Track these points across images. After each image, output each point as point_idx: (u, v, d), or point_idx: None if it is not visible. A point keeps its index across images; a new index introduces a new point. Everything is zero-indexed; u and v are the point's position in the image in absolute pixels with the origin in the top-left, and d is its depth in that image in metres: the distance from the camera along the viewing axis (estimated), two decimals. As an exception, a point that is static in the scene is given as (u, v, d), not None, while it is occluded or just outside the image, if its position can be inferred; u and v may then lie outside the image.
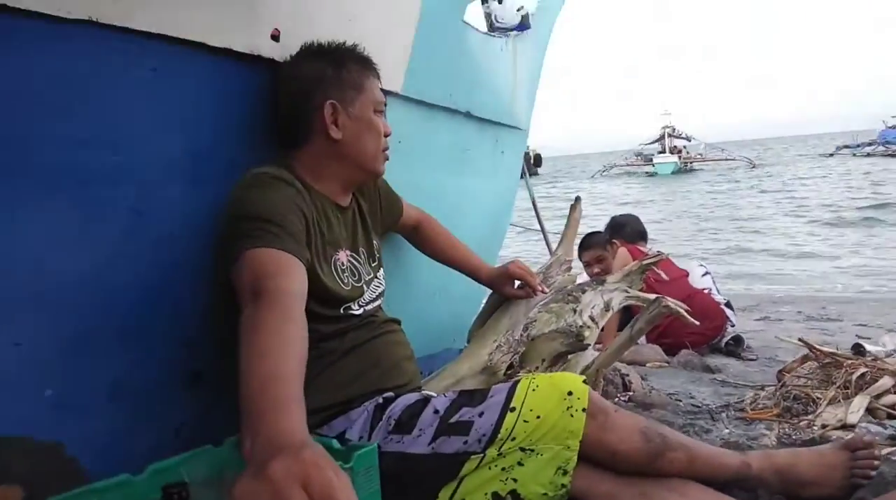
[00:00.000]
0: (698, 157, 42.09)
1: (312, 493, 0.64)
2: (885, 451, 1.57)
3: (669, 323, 3.06)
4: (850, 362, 1.95)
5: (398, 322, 1.44)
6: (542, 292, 1.85)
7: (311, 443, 0.70)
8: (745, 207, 16.30)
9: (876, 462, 1.27)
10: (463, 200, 2.12)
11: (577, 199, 2.16)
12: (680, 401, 2.10)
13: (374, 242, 1.45)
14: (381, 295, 1.41)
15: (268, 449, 0.69)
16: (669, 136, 41.74)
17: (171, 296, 1.17)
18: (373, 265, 1.41)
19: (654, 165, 38.74)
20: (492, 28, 2.32)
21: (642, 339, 3.17)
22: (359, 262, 1.35)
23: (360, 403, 1.23)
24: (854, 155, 39.71)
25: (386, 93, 1.60)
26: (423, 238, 1.73)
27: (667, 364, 2.71)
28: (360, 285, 1.32)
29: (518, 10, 2.29)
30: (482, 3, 2.34)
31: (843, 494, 1.27)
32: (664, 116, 43.28)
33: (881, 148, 38.95)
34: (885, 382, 1.85)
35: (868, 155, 38.49)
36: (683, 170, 38.11)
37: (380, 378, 1.28)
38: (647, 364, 2.67)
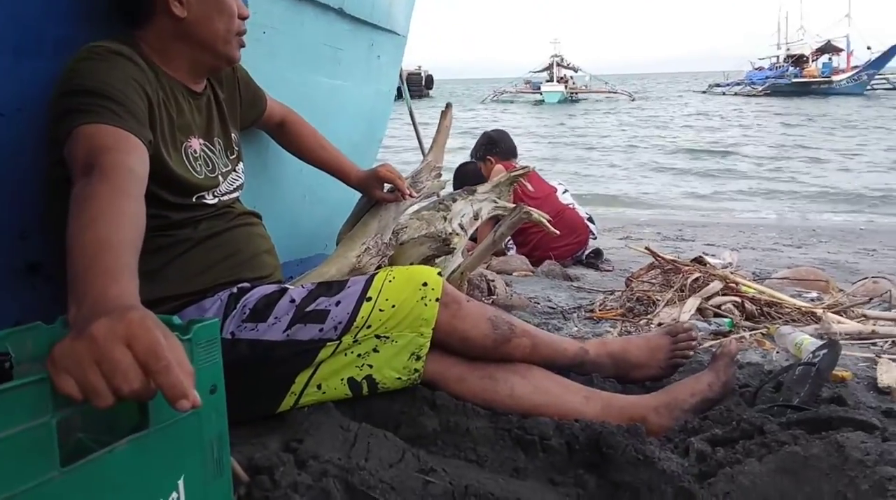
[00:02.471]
0: (583, 88, 43.18)
1: (137, 352, 0.61)
2: (706, 344, 1.78)
3: (540, 239, 3.22)
4: (687, 268, 2.15)
5: (258, 216, 1.41)
6: (412, 196, 1.88)
7: (141, 307, 0.68)
8: (620, 136, 17.09)
9: (693, 343, 1.43)
10: (335, 101, 2.07)
11: (448, 105, 2.17)
12: (538, 304, 2.24)
13: (233, 134, 1.40)
14: (239, 188, 1.37)
15: (92, 310, 0.66)
16: (558, 65, 42.40)
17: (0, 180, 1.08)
18: (231, 157, 1.36)
19: (541, 94, 39.38)
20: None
21: (512, 251, 3.32)
22: (213, 152, 1.30)
23: (214, 292, 1.22)
24: (724, 93, 42.33)
25: (249, -22, 1.51)
26: (289, 136, 1.68)
27: (531, 273, 2.87)
28: (214, 175, 1.28)
29: None
30: None
31: (666, 374, 1.43)
32: (553, 45, 43.80)
33: (747, 88, 41.75)
34: (715, 285, 2.07)
35: (735, 94, 41.17)
36: (569, 100, 39.06)
37: (236, 268, 1.27)
38: (514, 273, 2.81)
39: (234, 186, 1.35)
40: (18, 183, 1.13)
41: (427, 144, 2.96)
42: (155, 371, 0.62)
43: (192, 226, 1.22)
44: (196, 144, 1.25)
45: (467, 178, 3.52)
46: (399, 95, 3.13)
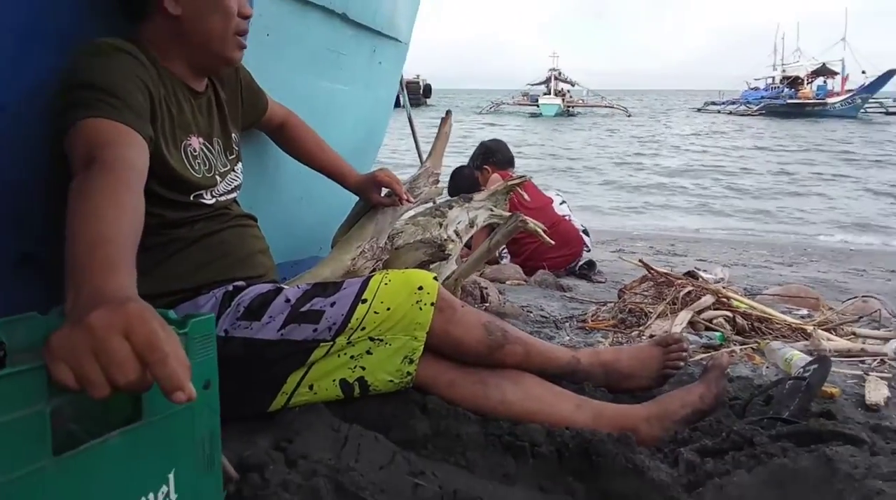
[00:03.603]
0: (581, 102, 43.40)
1: (134, 343, 0.61)
2: (697, 356, 1.79)
3: (534, 249, 3.23)
4: (679, 281, 2.16)
5: (254, 218, 1.42)
6: (409, 201, 1.88)
7: (139, 299, 0.69)
8: (616, 149, 17.19)
9: (684, 354, 1.43)
10: (336, 105, 2.08)
11: (448, 112, 2.18)
12: (531, 312, 2.24)
13: (233, 134, 1.40)
14: (236, 189, 1.37)
15: (90, 300, 0.66)
16: (556, 79, 42.61)
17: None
18: (230, 158, 1.36)
19: (539, 106, 39.57)
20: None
21: (506, 260, 3.33)
22: (212, 152, 1.30)
23: (209, 289, 1.22)
24: (719, 112, 42.67)
25: (255, -21, 1.51)
26: (289, 139, 1.69)
27: (524, 282, 2.88)
28: (212, 175, 1.28)
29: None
30: None
31: (657, 384, 1.44)
32: (552, 58, 44.04)
33: (742, 107, 42.11)
34: (707, 299, 2.08)
35: (730, 112, 41.53)
36: (566, 113, 39.26)
37: (231, 267, 1.27)
38: (507, 281, 2.82)
39: (232, 187, 1.35)
40: (19, 173, 1.13)
41: (425, 150, 2.98)
42: (152, 362, 0.62)
43: (189, 225, 1.22)
44: (196, 142, 1.25)
45: (462, 181, 3.54)
46: (398, 103, 3.14)
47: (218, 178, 1.30)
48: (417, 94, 42.63)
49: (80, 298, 0.69)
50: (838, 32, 44.44)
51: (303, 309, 1.18)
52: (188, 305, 1.19)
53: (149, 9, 1.18)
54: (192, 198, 1.22)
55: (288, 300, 1.20)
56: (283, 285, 1.28)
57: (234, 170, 1.37)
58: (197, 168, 1.24)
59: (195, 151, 1.25)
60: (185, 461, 0.79)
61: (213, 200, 1.27)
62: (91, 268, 0.73)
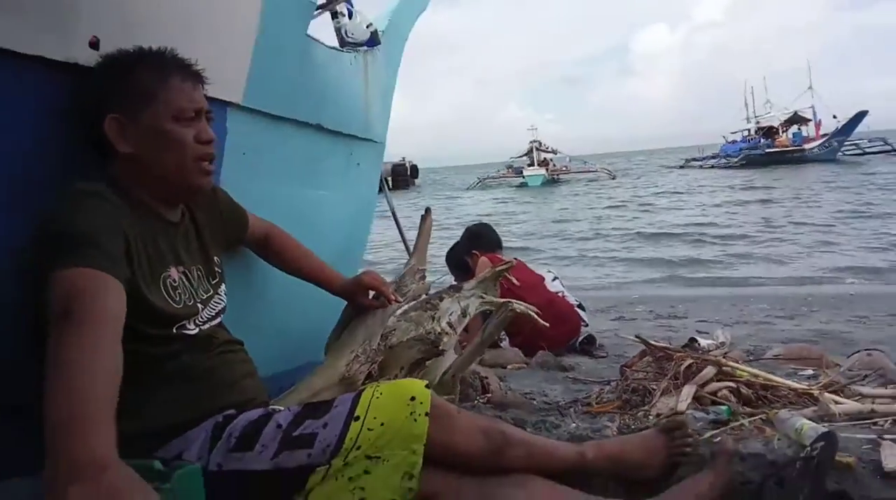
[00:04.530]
0: (564, 169, 44.29)
1: None
2: (707, 434, 1.74)
3: (531, 330, 3.20)
4: (678, 354, 2.14)
5: (240, 343, 1.41)
6: (397, 301, 1.88)
7: (116, 464, 0.68)
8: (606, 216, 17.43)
9: (689, 440, 1.40)
10: (317, 212, 2.11)
11: (427, 210, 2.22)
12: (534, 399, 2.20)
13: (214, 257, 1.41)
14: (221, 312, 1.37)
15: (67, 473, 0.66)
16: (537, 149, 43.66)
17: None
18: (212, 282, 1.37)
19: (524, 177, 40.34)
20: (343, 44, 2.33)
21: (505, 343, 3.29)
22: (192, 279, 1.30)
23: (199, 423, 1.19)
24: (701, 167, 43.55)
25: (226, 104, 1.57)
26: (273, 251, 1.70)
27: (525, 365, 2.84)
28: (192, 303, 1.28)
29: (367, 26, 2.32)
30: (332, 19, 2.35)
31: (666, 473, 1.39)
32: (530, 131, 45.28)
33: (723, 160, 43.04)
34: (709, 371, 2.04)
35: (712, 167, 42.38)
36: (552, 181, 40.00)
37: (221, 396, 1.25)
38: (508, 366, 2.78)
39: (216, 311, 1.35)
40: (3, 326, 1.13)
41: (411, 239, 3.00)
42: None
43: (174, 359, 1.21)
44: (175, 273, 1.26)
45: (458, 255, 3.57)
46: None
47: (200, 306, 1.29)
48: (405, 175, 43.40)
49: (59, 467, 0.68)
50: (804, 83, 45.98)
51: (295, 434, 1.16)
52: (178, 441, 1.17)
53: (108, 150, 1.21)
54: (174, 330, 1.22)
55: (279, 426, 1.17)
56: (274, 408, 1.26)
57: (217, 293, 1.37)
58: (178, 299, 1.24)
59: (175, 282, 1.25)
60: None
61: (197, 329, 1.27)
62: (68, 431, 0.73)
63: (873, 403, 1.78)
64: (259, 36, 1.60)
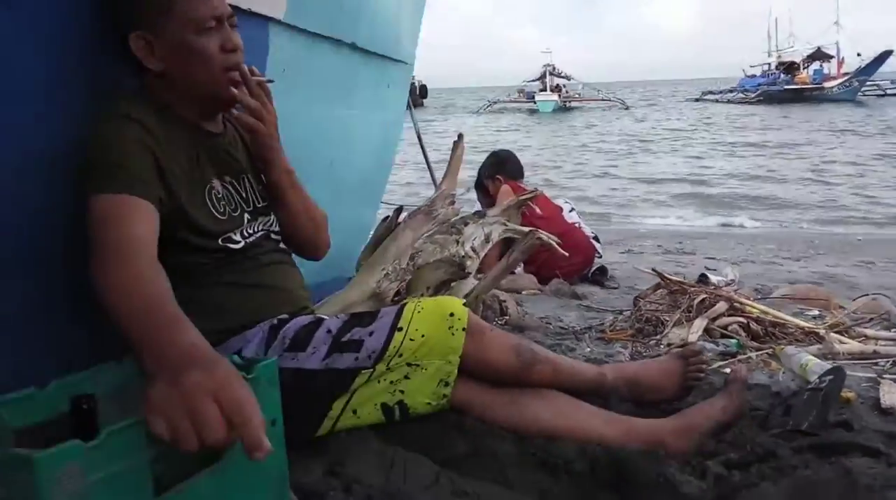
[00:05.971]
0: (577, 96, 43.34)
1: (223, 407, 0.71)
2: (715, 365, 1.85)
3: (546, 258, 3.28)
4: (693, 289, 2.23)
5: (288, 253, 1.47)
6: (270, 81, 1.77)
7: (223, 359, 0.76)
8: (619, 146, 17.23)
9: (704, 366, 1.50)
10: (349, 132, 2.16)
11: (460, 136, 2.25)
12: (550, 324, 2.31)
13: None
14: (269, 222, 1.40)
15: (182, 360, 0.74)
16: (550, 74, 42.50)
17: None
18: (259, 190, 1.39)
19: (535, 103, 39.54)
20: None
21: (520, 269, 3.39)
22: (240, 189, 1.34)
23: (255, 325, 1.28)
24: (717, 100, 42.63)
25: (268, 20, 1.57)
26: None
27: (540, 292, 2.94)
28: (238, 214, 1.31)
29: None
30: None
31: (679, 396, 1.50)
32: (545, 54, 43.99)
33: (740, 95, 42.10)
34: (721, 306, 2.14)
35: (728, 101, 41.49)
36: (563, 108, 39.23)
37: (271, 306, 1.32)
38: (523, 292, 2.88)
39: (264, 223, 1.38)
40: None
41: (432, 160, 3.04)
42: (237, 424, 0.72)
43: (222, 268, 1.27)
44: (218, 184, 1.29)
45: (480, 176, 3.60)
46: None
47: (247, 216, 1.33)
48: (414, 95, 42.43)
49: (166, 354, 0.77)
50: (831, 16, 44.40)
51: (344, 339, 1.25)
52: (237, 339, 1.26)
53: (141, 69, 1.22)
54: (220, 242, 1.26)
55: (329, 331, 1.27)
56: (322, 316, 1.35)
57: (263, 202, 1.40)
58: (222, 209, 1.28)
59: (218, 193, 1.28)
60: (260, 494, 0.86)
61: (242, 241, 1.30)
62: (158, 326, 0.82)
63: (876, 344, 1.88)
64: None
